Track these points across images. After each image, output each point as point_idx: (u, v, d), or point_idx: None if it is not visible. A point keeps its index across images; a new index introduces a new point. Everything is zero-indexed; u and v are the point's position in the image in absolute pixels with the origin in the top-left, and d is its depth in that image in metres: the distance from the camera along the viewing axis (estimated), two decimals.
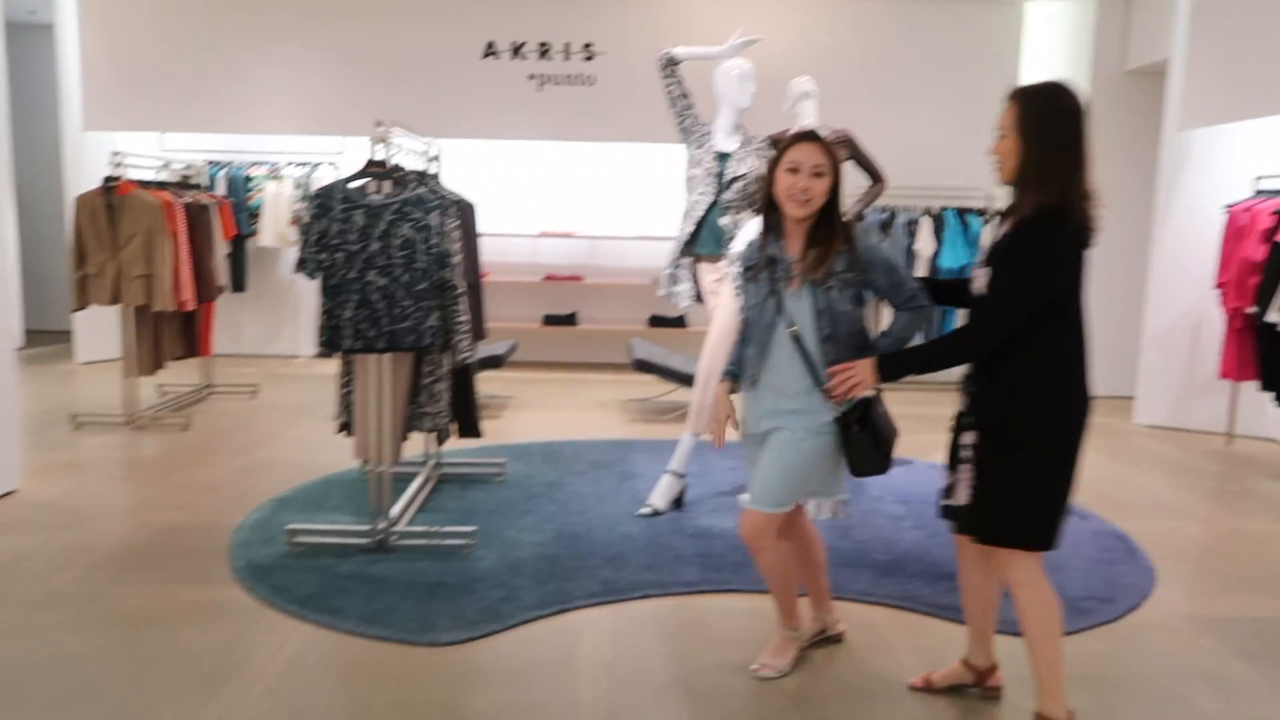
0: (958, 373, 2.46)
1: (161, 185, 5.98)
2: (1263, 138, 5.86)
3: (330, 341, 3.54)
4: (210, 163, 7.92)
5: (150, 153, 7.51)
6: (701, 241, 4.26)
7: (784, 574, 2.71)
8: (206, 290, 6.04)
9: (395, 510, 3.86)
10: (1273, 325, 5.15)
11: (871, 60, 7.69)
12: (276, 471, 4.75)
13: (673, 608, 3.26)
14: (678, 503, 4.27)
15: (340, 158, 7.99)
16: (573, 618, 3.14)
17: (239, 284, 7.87)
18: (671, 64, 4.26)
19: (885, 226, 7.37)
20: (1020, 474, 2.28)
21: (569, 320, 8.20)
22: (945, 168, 7.50)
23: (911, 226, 7.35)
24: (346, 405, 3.88)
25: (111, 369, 6.59)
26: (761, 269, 2.60)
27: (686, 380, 5.66)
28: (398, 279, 3.51)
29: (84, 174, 7.27)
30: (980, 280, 2.34)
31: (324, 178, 7.80)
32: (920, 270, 7.19)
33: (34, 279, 8.89)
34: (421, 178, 4.04)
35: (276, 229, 7.83)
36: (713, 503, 4.35)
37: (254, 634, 2.95)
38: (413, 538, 3.71)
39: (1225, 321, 5.65)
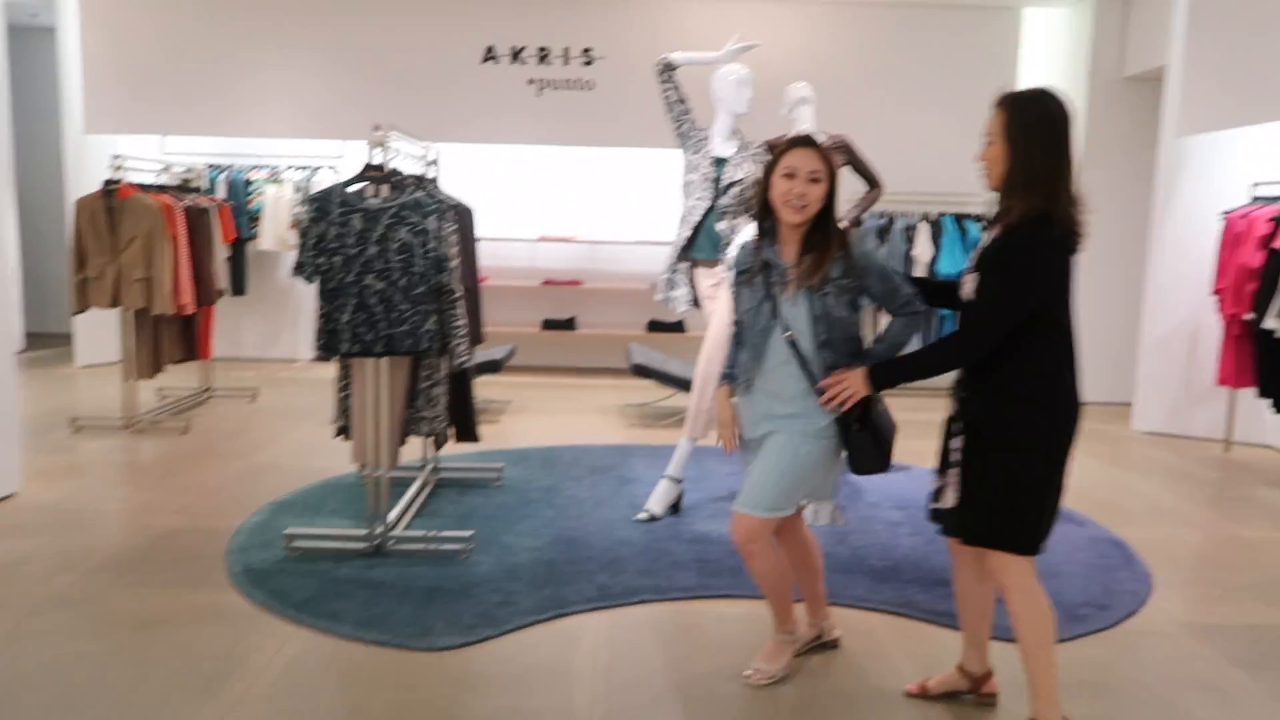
0: (952, 377, 2.47)
1: (162, 189, 5.99)
2: (1260, 144, 5.87)
3: (328, 345, 3.55)
4: (211, 166, 7.94)
5: (151, 156, 7.53)
6: (699, 246, 4.27)
7: (778, 578, 2.70)
8: (206, 293, 6.05)
9: (393, 515, 3.87)
10: (1270, 332, 5.16)
11: (870, 66, 7.71)
12: (275, 475, 4.75)
13: (670, 613, 3.26)
14: (675, 508, 4.27)
15: (340, 161, 8.01)
16: (570, 623, 3.14)
17: (239, 287, 7.88)
18: (669, 69, 4.28)
19: (883, 232, 7.39)
20: (1006, 477, 2.29)
21: (568, 325, 8.20)
22: (943, 173, 7.51)
23: (909, 232, 7.37)
24: (344, 409, 3.89)
25: (112, 372, 6.59)
26: (756, 274, 2.60)
27: (685, 385, 5.67)
28: (395, 283, 3.52)
29: (85, 177, 7.28)
30: (969, 286, 2.36)
31: (324, 181, 7.80)
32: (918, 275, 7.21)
33: (35, 282, 8.90)
34: (419, 182, 4.06)
35: (276, 232, 7.84)
36: (710, 508, 4.35)
37: (251, 638, 2.96)
38: (410, 542, 3.71)
39: (1223, 328, 5.66)
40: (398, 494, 4.14)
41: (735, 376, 2.71)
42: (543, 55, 7.70)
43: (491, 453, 5.24)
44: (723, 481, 4.77)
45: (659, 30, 7.47)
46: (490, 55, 7.71)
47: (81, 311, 5.62)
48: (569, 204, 8.32)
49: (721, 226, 4.21)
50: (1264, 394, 5.43)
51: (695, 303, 4.38)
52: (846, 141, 4.80)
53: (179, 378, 6.57)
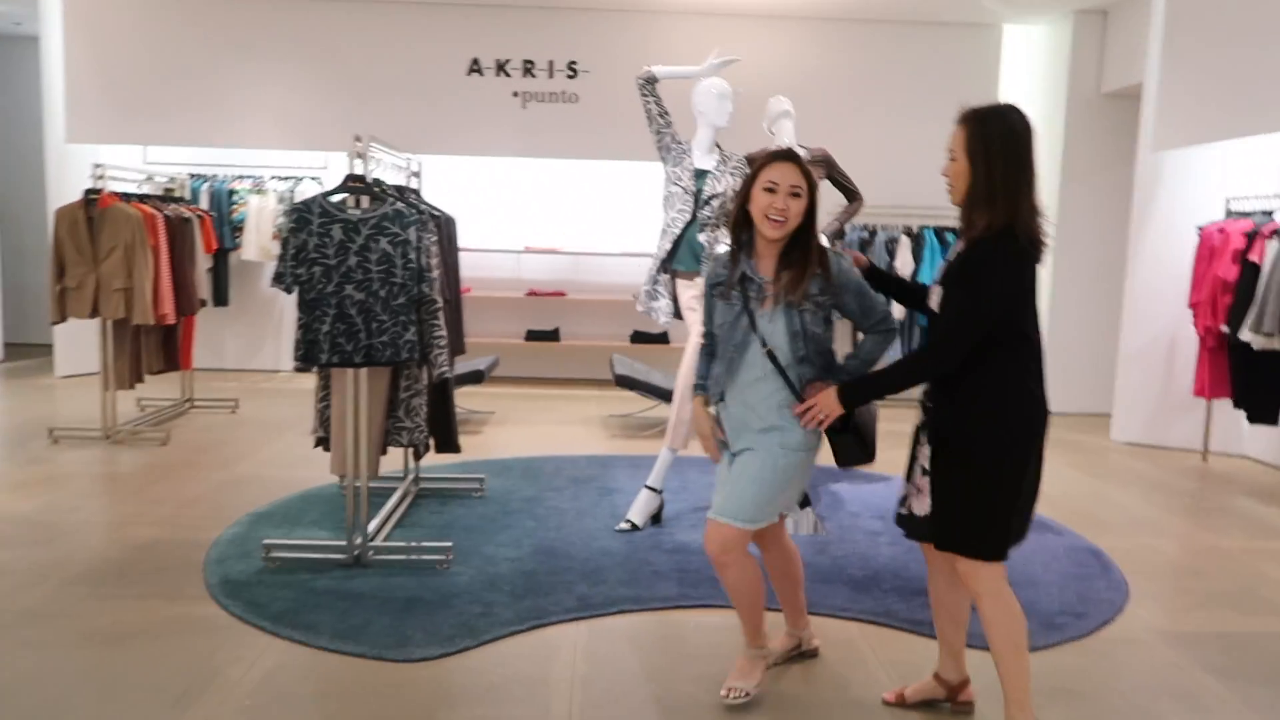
0: (921, 387, 2.50)
1: (143, 198, 5.97)
2: (1234, 159, 5.96)
3: (307, 356, 3.54)
4: (194, 176, 7.92)
5: (134, 166, 7.50)
6: (679, 258, 4.29)
7: (751, 590, 2.66)
8: (187, 304, 6.02)
9: (373, 525, 3.86)
10: (1246, 344, 5.22)
11: (852, 81, 7.78)
12: (255, 486, 4.73)
13: (650, 623, 3.26)
14: (656, 518, 4.28)
15: (325, 173, 8.01)
16: (549, 633, 3.13)
17: (221, 298, 7.85)
18: (650, 82, 4.31)
19: (865, 245, 7.45)
20: (973, 486, 2.32)
21: (552, 336, 8.21)
22: (924, 187, 7.53)
23: (891, 245, 7.43)
24: (324, 420, 3.87)
25: (91, 383, 6.55)
26: (733, 288, 2.59)
27: (667, 396, 5.68)
28: (375, 293, 3.52)
29: (67, 186, 7.24)
30: (934, 299, 2.39)
31: (308, 192, 7.80)
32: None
33: (15, 291, 8.84)
34: (401, 193, 4.06)
35: (260, 243, 7.82)
36: (691, 518, 4.36)
37: (227, 650, 2.94)
38: (390, 553, 3.70)
39: (1199, 340, 5.72)
40: (378, 505, 4.12)
41: (708, 388, 2.71)
42: (528, 68, 7.73)
43: (474, 463, 5.23)
44: (704, 492, 4.78)
45: (643, 44, 7.51)
46: (475, 68, 7.73)
47: (60, 321, 5.58)
48: (553, 216, 8.34)
49: (702, 239, 4.23)
50: (1239, 405, 5.49)
51: (677, 314, 4.40)
52: (827, 155, 4.83)
53: (160, 388, 6.53)
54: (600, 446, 5.91)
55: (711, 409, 2.72)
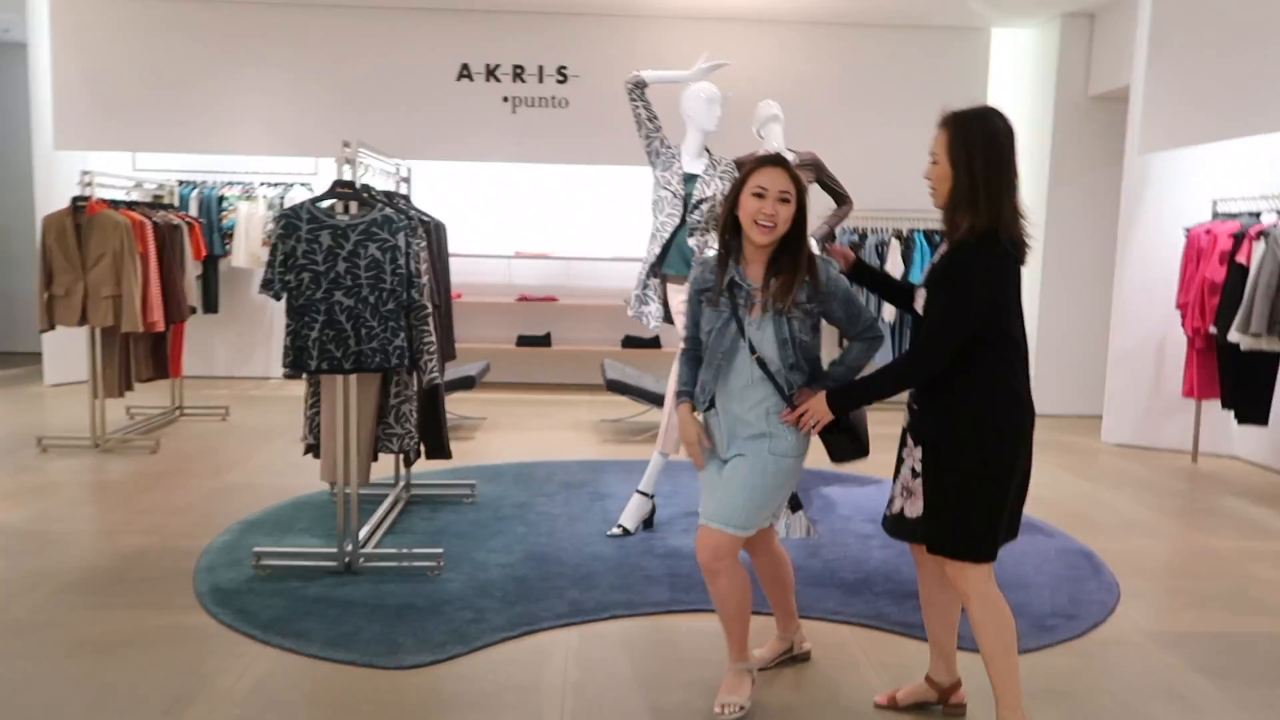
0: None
1: (132, 205, 5.95)
2: (1221, 161, 5.99)
3: (296, 363, 3.53)
4: (183, 183, 7.89)
5: (123, 172, 7.48)
6: (669, 262, 4.29)
7: (739, 600, 2.62)
8: (176, 311, 6.00)
9: (364, 532, 3.84)
10: (1235, 345, 5.25)
11: (841, 85, 7.81)
12: (246, 494, 4.71)
13: (642, 628, 3.26)
14: (648, 523, 4.27)
15: (314, 179, 7.99)
16: (541, 639, 3.13)
17: (211, 305, 7.82)
18: (639, 86, 4.31)
19: (855, 249, 7.47)
20: (960, 488, 2.33)
21: (543, 341, 8.20)
22: (914, 190, 7.52)
23: (881, 248, 7.46)
24: (313, 427, 3.86)
25: (81, 391, 6.52)
26: (721, 294, 2.57)
27: (658, 401, 5.68)
28: (364, 299, 3.51)
29: (55, 193, 7.22)
30: (919, 302, 2.39)
31: (297, 198, 7.78)
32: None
33: (3, 299, 8.80)
34: (390, 198, 4.06)
35: (249, 249, 7.80)
36: (683, 523, 4.36)
37: (217, 659, 2.92)
38: (381, 560, 3.69)
39: (1187, 341, 5.75)
40: (369, 511, 4.11)
41: (694, 394, 2.68)
42: (517, 73, 7.74)
43: (465, 469, 5.22)
44: (695, 497, 4.77)
45: (632, 49, 7.52)
46: (465, 73, 7.73)
47: (49, 329, 5.55)
48: (544, 221, 8.34)
49: (692, 243, 4.24)
50: (1228, 405, 5.52)
51: (667, 318, 4.40)
52: (816, 159, 4.85)
53: (149, 396, 6.50)
54: (592, 451, 5.91)
55: (699, 415, 2.70)
